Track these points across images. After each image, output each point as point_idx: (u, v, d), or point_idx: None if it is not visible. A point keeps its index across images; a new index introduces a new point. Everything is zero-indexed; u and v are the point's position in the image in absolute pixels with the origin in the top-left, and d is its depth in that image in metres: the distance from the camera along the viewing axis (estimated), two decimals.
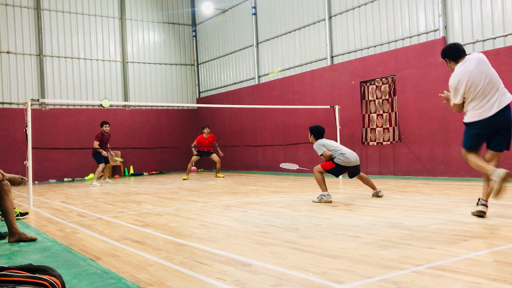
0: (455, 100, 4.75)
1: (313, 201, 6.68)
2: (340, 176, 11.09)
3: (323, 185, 6.70)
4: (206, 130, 13.62)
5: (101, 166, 12.26)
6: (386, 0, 11.27)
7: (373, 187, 6.98)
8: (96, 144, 12.28)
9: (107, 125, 12.58)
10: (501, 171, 4.28)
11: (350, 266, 3.11)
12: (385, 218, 4.97)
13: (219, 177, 13.51)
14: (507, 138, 4.63)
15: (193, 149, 13.77)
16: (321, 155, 6.88)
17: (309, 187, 9.07)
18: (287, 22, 14.27)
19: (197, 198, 8.02)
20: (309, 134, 7.12)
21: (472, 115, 4.64)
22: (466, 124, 4.75)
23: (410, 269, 2.96)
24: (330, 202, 6.52)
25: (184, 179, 13.08)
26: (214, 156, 13.65)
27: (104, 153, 12.32)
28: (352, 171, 6.97)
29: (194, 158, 13.65)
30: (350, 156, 6.80)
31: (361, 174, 7.08)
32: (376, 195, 6.90)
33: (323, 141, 7.00)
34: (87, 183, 12.92)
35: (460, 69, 4.68)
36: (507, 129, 4.59)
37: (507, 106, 4.57)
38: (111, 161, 13.18)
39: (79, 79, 16.15)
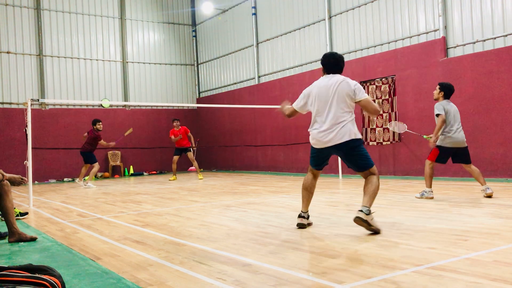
0: None
1: (416, 197, 6.57)
2: (340, 176, 11.18)
3: (428, 181, 6.47)
4: (175, 123, 13.22)
5: (96, 166, 11.75)
6: (386, 0, 11.27)
7: (482, 183, 6.41)
8: (104, 142, 11.83)
9: (100, 123, 11.93)
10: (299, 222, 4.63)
11: (350, 266, 3.11)
12: (385, 218, 4.97)
13: (200, 178, 13.13)
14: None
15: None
16: (437, 115, 6.31)
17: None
18: (287, 22, 14.27)
19: (197, 198, 8.02)
20: (438, 89, 6.52)
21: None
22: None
23: (410, 269, 2.96)
24: (432, 198, 6.41)
25: (170, 180, 13.02)
26: (190, 155, 13.31)
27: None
28: (458, 155, 6.44)
29: (175, 158, 13.34)
30: (456, 135, 6.28)
31: (472, 166, 6.49)
32: (484, 192, 6.33)
33: (448, 105, 6.39)
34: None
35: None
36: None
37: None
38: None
39: (79, 79, 16.15)
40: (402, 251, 3.47)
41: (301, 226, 4.62)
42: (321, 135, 4.40)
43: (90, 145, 11.69)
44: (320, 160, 4.62)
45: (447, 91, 6.50)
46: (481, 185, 6.46)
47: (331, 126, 4.35)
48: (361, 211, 4.16)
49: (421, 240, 3.83)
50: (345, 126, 4.33)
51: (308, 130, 4.61)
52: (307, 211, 4.72)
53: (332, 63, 4.66)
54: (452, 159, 6.56)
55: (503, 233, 3.97)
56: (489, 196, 6.31)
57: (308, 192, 4.70)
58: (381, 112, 11.23)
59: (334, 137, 4.33)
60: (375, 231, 4.15)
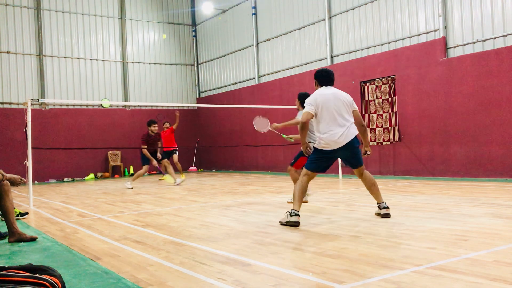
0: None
1: (289, 202, 6.49)
2: (340, 176, 11.19)
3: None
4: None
5: (144, 168, 11.08)
6: (386, 0, 11.27)
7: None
8: (143, 147, 11.05)
9: (155, 125, 11.18)
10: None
11: (350, 266, 3.11)
12: (385, 218, 4.97)
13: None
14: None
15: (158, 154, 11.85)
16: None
17: (309, 187, 9.06)
18: (287, 22, 14.27)
19: (197, 198, 8.02)
20: (297, 101, 6.63)
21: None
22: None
23: (410, 269, 2.96)
24: (306, 202, 6.37)
25: (160, 179, 12.96)
26: (175, 157, 12.19)
27: (154, 162, 11.10)
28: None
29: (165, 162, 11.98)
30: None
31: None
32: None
33: None
34: (87, 182, 12.88)
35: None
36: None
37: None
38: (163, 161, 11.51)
39: (79, 79, 16.15)
40: (402, 251, 3.47)
41: (298, 224, 4.73)
42: (336, 137, 4.87)
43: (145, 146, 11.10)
44: (327, 163, 5.05)
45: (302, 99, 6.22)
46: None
47: (342, 129, 4.90)
48: (386, 207, 5.04)
49: (421, 240, 3.83)
50: (351, 127, 4.95)
51: (318, 135, 4.98)
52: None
53: (327, 77, 5.19)
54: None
55: (503, 233, 3.97)
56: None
57: (304, 193, 5.03)
58: (381, 112, 11.24)
59: (346, 137, 4.89)
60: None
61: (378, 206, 5.09)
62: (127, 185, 10.86)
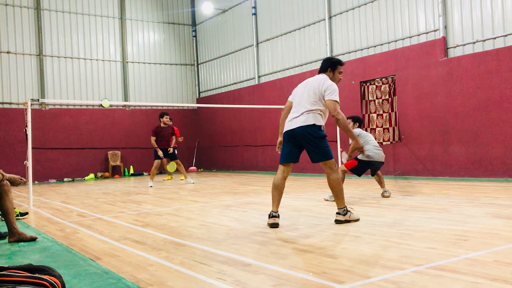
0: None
1: (325, 199, 6.80)
2: None
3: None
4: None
5: (155, 163, 11.06)
6: (386, 0, 11.27)
7: (382, 185, 7.01)
8: (152, 139, 10.98)
9: (167, 116, 11.07)
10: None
11: (350, 266, 3.11)
12: (385, 218, 4.97)
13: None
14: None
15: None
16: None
17: (309, 187, 9.07)
18: (287, 22, 14.27)
19: (197, 198, 8.02)
20: (350, 121, 7.10)
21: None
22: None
23: (410, 269, 2.96)
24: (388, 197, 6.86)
25: (165, 180, 13.06)
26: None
27: (160, 152, 10.94)
28: (375, 169, 6.92)
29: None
30: (374, 154, 6.68)
31: (379, 173, 7.12)
32: (382, 194, 6.89)
33: (359, 130, 7.01)
34: (87, 182, 12.87)
35: None
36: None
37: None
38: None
39: (79, 79, 16.15)
40: (402, 251, 3.47)
41: (275, 225, 4.68)
42: (289, 119, 4.82)
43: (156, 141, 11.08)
44: (289, 148, 4.81)
45: (356, 120, 7.19)
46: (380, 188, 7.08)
47: (298, 114, 4.75)
48: (338, 213, 4.76)
49: (421, 240, 3.83)
50: (306, 115, 4.69)
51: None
52: (278, 211, 4.82)
53: (322, 65, 5.18)
54: (371, 172, 7.02)
55: (503, 233, 3.97)
56: (387, 197, 6.84)
57: (279, 192, 4.82)
58: (381, 112, 11.24)
59: (296, 123, 4.71)
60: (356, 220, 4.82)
61: None
62: (148, 185, 10.93)
